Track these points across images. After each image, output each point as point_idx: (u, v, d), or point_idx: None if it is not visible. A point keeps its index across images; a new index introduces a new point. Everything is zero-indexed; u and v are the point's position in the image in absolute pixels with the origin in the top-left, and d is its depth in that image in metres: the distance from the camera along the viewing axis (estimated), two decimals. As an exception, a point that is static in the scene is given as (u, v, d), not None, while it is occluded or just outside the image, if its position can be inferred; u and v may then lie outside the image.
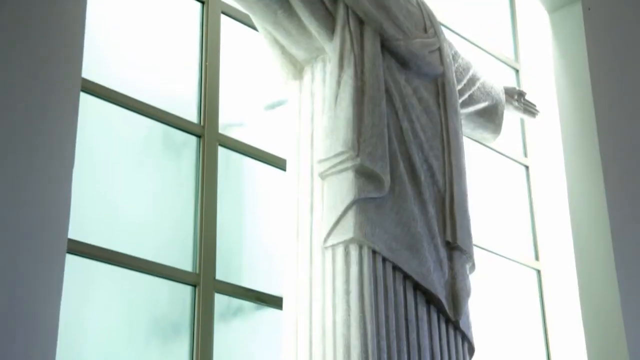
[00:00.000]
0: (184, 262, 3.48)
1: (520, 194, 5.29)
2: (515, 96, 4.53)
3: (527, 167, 5.38)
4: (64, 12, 3.01)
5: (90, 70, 3.33)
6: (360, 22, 3.42)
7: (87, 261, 3.16)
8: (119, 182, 3.40)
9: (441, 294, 3.36)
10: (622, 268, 4.71)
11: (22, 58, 2.86)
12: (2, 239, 2.69)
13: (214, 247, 3.54)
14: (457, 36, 5.19)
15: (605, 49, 5.30)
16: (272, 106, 4.07)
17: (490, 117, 4.27)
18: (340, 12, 3.39)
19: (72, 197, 2.89)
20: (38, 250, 2.75)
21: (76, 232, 3.08)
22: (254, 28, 3.65)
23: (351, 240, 3.16)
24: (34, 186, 2.80)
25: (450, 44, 3.97)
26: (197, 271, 3.48)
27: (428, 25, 3.70)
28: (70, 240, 3.00)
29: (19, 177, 2.77)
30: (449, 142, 3.57)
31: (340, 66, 3.35)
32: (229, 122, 3.85)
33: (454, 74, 3.80)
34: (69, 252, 2.95)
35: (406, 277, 3.28)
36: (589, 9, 5.25)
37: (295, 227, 3.35)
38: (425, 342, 3.27)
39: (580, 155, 5.02)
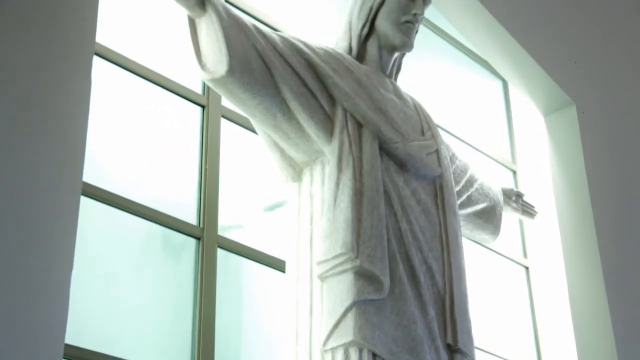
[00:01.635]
0: (182, 366, 3.43)
1: (521, 295, 5.26)
2: (514, 197, 4.55)
3: (527, 268, 5.37)
4: (65, 115, 3.05)
5: (91, 174, 3.35)
6: (359, 125, 3.46)
7: (84, 366, 3.12)
8: (117, 285, 3.39)
9: (443, 398, 3.31)
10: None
11: (24, 161, 2.89)
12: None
13: (212, 350, 3.50)
14: (454, 138, 5.26)
15: (600, 151, 5.37)
16: (271, 208, 4.08)
17: (489, 218, 4.28)
18: (339, 116, 3.44)
19: (70, 300, 2.87)
20: (34, 357, 2.71)
21: (74, 336, 3.05)
22: (254, 131, 3.70)
23: (351, 343, 3.12)
24: (32, 289, 2.78)
25: (447, 146, 4.01)
26: (195, 375, 3.43)
27: (425, 127, 3.75)
28: (67, 346, 2.96)
29: (17, 280, 2.76)
30: (448, 243, 3.56)
31: (339, 168, 3.37)
32: (228, 224, 3.86)
33: (452, 176, 3.82)
34: (65, 358, 2.91)
35: (407, 380, 3.23)
36: (583, 112, 5.34)
37: (294, 330, 3.31)
38: None
39: (580, 255, 5.01)
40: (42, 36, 3.04)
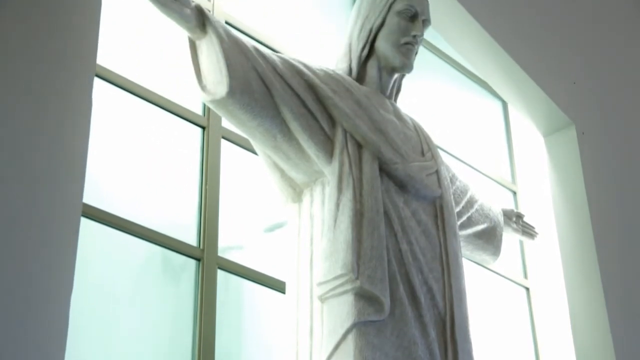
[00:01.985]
0: (182, 388, 3.42)
1: (522, 316, 5.24)
2: (514, 218, 4.54)
3: (527, 289, 5.36)
4: (66, 137, 3.06)
5: (91, 195, 3.35)
6: (359, 146, 3.47)
7: (83, 388, 3.11)
8: (117, 305, 3.38)
9: (444, 420, 3.29)
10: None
11: (24, 182, 2.89)
12: (-2, 365, 2.65)
13: (212, 372, 3.49)
14: (454, 159, 5.27)
15: (600, 171, 5.37)
16: (272, 229, 4.08)
17: (489, 239, 4.28)
18: (339, 136, 3.44)
19: (70, 321, 2.86)
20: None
21: (73, 357, 3.03)
22: (254, 152, 3.70)
23: (351, 365, 3.11)
24: (32, 310, 2.78)
25: (447, 167, 4.01)
26: (195, 397, 3.41)
27: (425, 148, 3.75)
28: (67, 367, 2.95)
29: (17, 301, 2.75)
30: (448, 264, 3.56)
31: (339, 189, 3.37)
32: (228, 245, 3.86)
33: (452, 196, 3.82)
34: (64, 380, 2.90)
35: (408, 402, 3.21)
36: (583, 133, 5.35)
37: (294, 351, 3.30)
38: None
39: (581, 276, 5.00)
40: (43, 57, 3.05)
